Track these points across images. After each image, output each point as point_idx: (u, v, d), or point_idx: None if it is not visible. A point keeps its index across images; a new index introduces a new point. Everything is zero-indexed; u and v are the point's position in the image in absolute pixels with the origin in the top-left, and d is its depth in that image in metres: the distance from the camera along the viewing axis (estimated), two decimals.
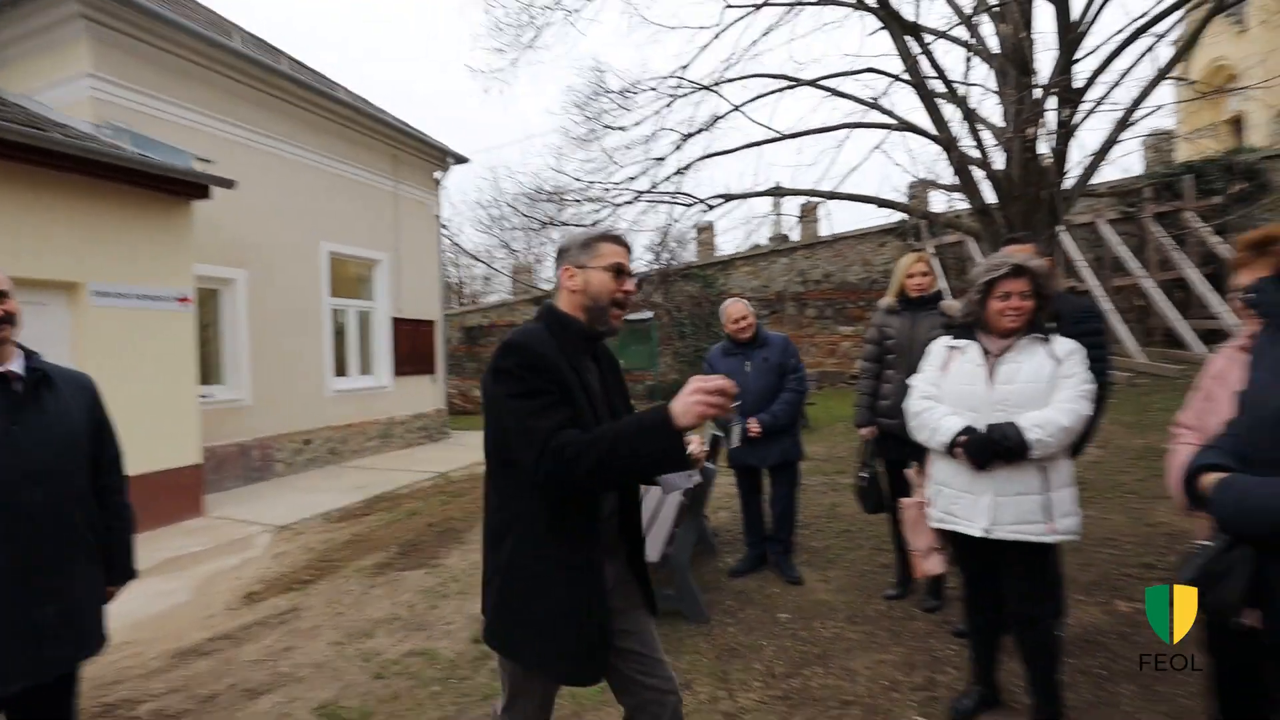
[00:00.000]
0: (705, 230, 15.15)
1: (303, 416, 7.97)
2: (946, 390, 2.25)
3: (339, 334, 8.92)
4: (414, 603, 3.74)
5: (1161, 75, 6.36)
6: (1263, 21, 11.67)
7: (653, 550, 3.18)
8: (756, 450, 3.60)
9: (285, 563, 4.63)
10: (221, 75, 7.12)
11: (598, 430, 1.34)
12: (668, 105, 8.44)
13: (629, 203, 7.98)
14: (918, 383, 2.36)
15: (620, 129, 8.84)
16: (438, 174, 10.85)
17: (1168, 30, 6.36)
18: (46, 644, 1.63)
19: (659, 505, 3.92)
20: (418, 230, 10.25)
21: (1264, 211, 10.65)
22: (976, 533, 2.13)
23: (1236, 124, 15.89)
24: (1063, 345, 2.14)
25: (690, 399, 1.25)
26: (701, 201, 8.26)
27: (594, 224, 8.43)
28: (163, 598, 4.00)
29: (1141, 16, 6.02)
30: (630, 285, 1.56)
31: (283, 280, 7.75)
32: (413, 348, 9.95)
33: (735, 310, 3.69)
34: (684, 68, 8.19)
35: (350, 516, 5.87)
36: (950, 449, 2.15)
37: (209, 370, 7.02)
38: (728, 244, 14.86)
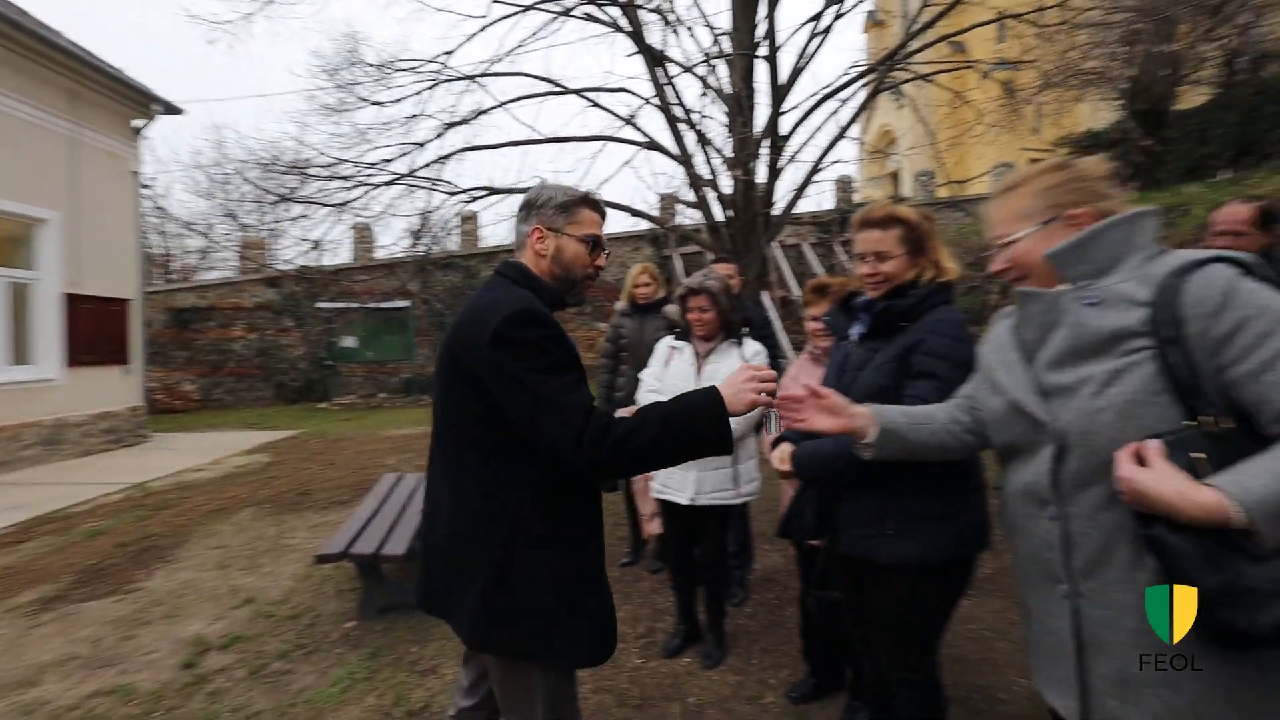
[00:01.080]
0: (469, 220, 14.84)
1: None
2: (667, 384, 2.69)
3: None
4: (99, 637, 3.17)
5: (841, 134, 8.04)
6: (906, 104, 15.32)
7: (401, 544, 3.18)
8: None
9: None
10: None
11: (641, 411, 1.30)
12: (429, 88, 8.17)
13: (387, 184, 7.55)
14: (646, 377, 2.79)
15: (377, 104, 8.30)
16: (139, 122, 8.95)
17: (849, 98, 8.08)
18: None
19: (409, 497, 3.89)
20: (106, 187, 8.34)
21: None
22: (684, 501, 2.59)
23: (895, 177, 20.57)
24: (750, 347, 2.71)
25: (744, 385, 1.27)
26: (464, 191, 8.16)
27: (344, 202, 7.80)
28: None
29: (827, 86, 7.55)
30: (603, 260, 1.47)
31: None
32: (96, 332, 8.09)
33: None
34: (448, 54, 8.00)
35: None
36: None
37: None
38: (492, 236, 14.76)
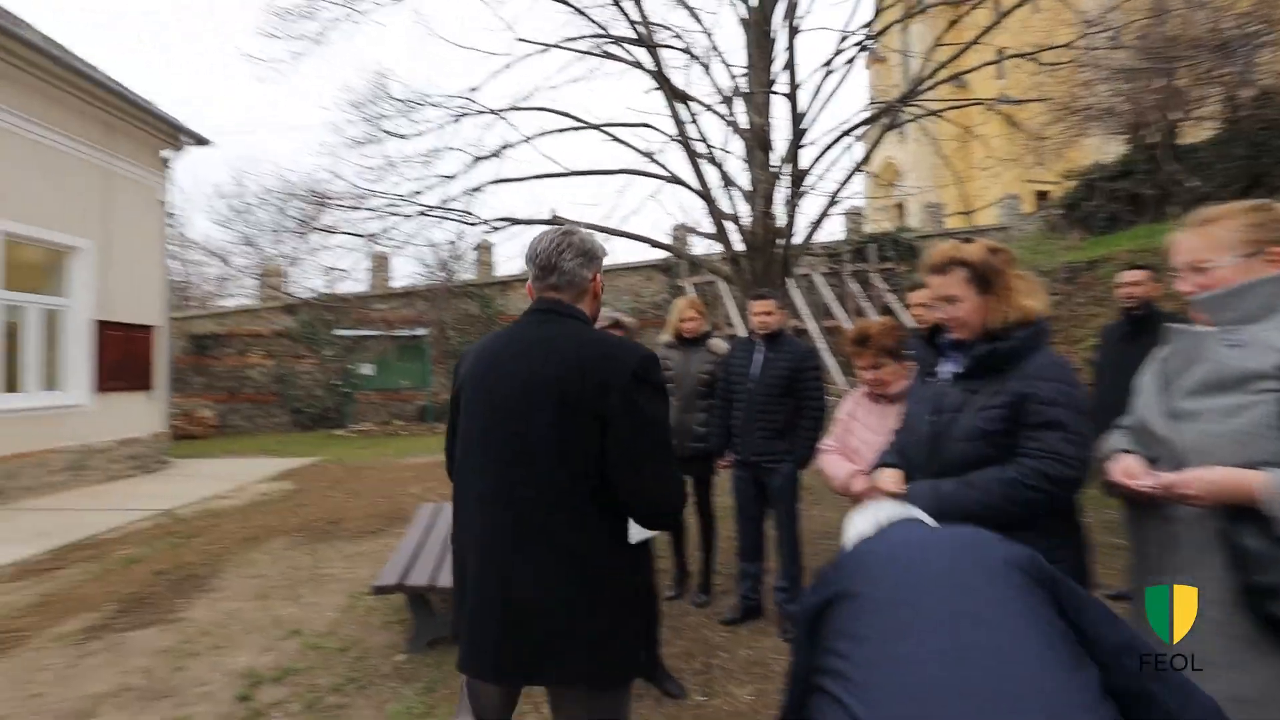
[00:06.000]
0: (484, 250, 15.06)
1: None
2: None
3: (10, 337, 7.00)
4: (150, 667, 3.18)
5: (858, 167, 8.23)
6: (915, 139, 15.62)
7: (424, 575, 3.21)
8: None
9: None
10: None
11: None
12: (455, 122, 8.40)
13: (421, 215, 7.76)
14: None
15: (401, 137, 8.53)
16: (167, 153, 9.17)
17: (862, 135, 8.28)
18: None
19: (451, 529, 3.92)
20: (136, 216, 8.52)
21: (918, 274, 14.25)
22: None
23: (900, 209, 20.84)
24: None
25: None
26: (486, 222, 8.33)
27: (374, 232, 7.96)
28: None
29: (844, 121, 7.75)
30: None
31: None
32: (124, 358, 8.19)
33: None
34: (474, 90, 8.24)
35: (34, 572, 4.66)
36: None
37: None
38: (506, 266, 14.95)
